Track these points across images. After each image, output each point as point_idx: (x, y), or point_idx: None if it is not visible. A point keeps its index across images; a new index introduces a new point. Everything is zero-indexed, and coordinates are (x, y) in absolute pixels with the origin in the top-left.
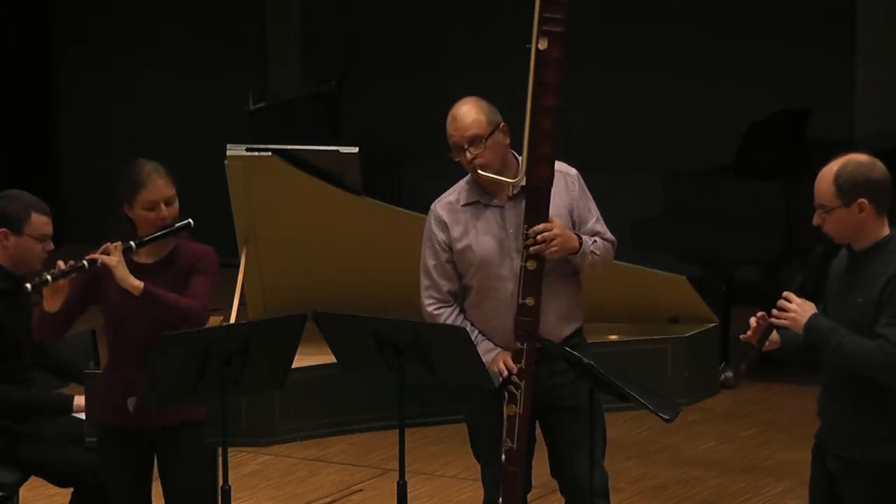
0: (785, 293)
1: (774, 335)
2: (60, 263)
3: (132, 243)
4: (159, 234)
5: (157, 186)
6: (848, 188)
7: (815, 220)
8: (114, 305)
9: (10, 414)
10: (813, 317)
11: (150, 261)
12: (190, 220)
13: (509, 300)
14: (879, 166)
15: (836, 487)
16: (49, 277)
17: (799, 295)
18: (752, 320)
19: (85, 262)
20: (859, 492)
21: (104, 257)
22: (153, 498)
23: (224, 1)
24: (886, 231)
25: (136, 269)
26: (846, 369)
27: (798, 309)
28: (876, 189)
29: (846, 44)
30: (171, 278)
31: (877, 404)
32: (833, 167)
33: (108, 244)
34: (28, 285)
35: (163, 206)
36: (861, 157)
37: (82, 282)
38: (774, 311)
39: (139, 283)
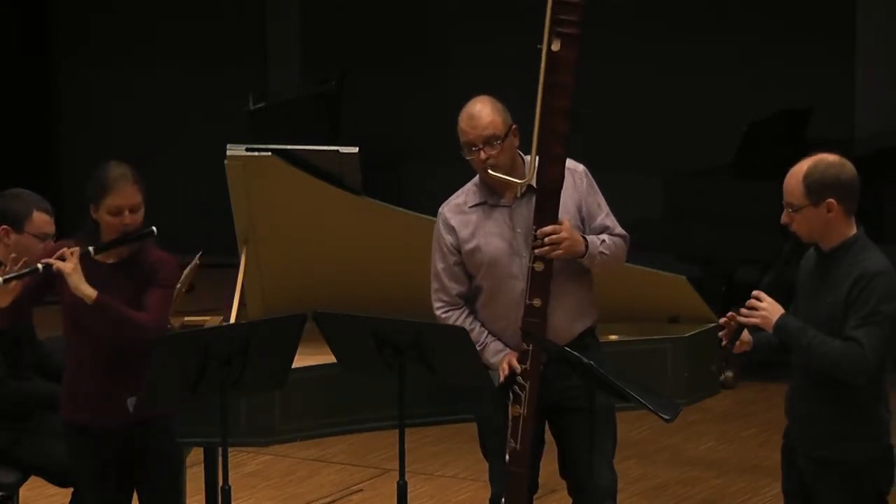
0: (755, 292)
1: (746, 335)
2: (14, 265)
3: (90, 249)
4: (118, 241)
5: (125, 193)
6: (817, 188)
7: (783, 219)
8: (69, 305)
9: (27, 408)
10: (782, 317)
11: (110, 261)
12: (153, 229)
13: (519, 300)
14: (849, 167)
15: (807, 486)
16: (1, 279)
17: (768, 292)
18: (722, 320)
19: (39, 266)
20: (830, 491)
21: (59, 263)
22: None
23: (224, 1)
24: (853, 231)
25: (94, 268)
26: (816, 369)
27: (768, 308)
28: (845, 189)
29: (846, 44)
30: (129, 281)
31: (847, 404)
32: (802, 166)
33: (65, 249)
34: None
35: (127, 212)
36: (831, 157)
37: (34, 280)
38: (743, 310)
39: (92, 293)
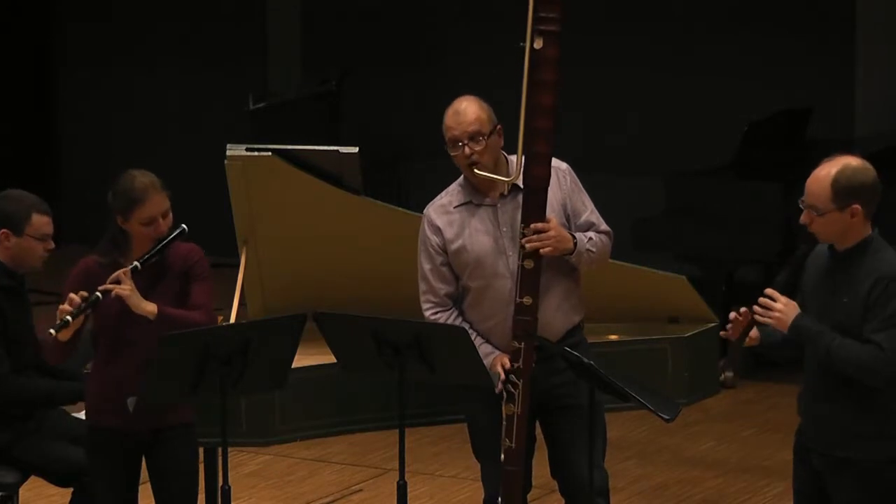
0: (769, 291)
1: (754, 331)
2: (75, 298)
3: (137, 264)
4: (160, 247)
5: (156, 202)
6: (845, 194)
7: (803, 219)
8: (112, 323)
9: (29, 406)
10: (799, 317)
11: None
12: (184, 227)
13: (507, 298)
14: (872, 171)
15: (822, 486)
16: (69, 318)
17: (781, 292)
18: (732, 314)
19: (99, 294)
20: (847, 490)
21: (118, 288)
22: (139, 500)
23: (224, 1)
24: (869, 230)
25: (135, 277)
26: (836, 372)
27: (783, 308)
28: (869, 194)
29: (846, 44)
30: (169, 281)
31: (864, 403)
32: (829, 171)
33: (119, 272)
34: (52, 331)
35: (160, 219)
36: (855, 162)
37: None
38: (758, 309)
39: (153, 308)
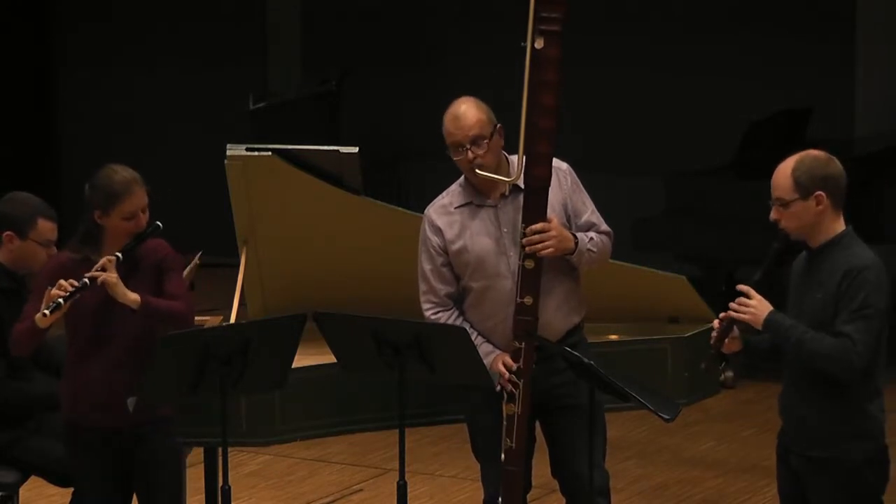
0: (744, 288)
1: (734, 336)
2: (65, 284)
3: (118, 255)
4: (137, 241)
5: (138, 196)
6: (806, 181)
7: (772, 216)
8: (92, 314)
9: (27, 409)
10: (771, 313)
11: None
12: (159, 223)
13: (508, 298)
14: (836, 162)
15: (801, 487)
16: (62, 301)
17: (757, 290)
18: (716, 322)
19: (87, 281)
20: (825, 492)
21: (104, 275)
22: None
23: (224, 1)
24: (842, 226)
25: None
26: (807, 366)
27: (758, 304)
28: (833, 182)
29: (846, 44)
30: (142, 275)
31: (842, 404)
32: (790, 162)
33: (105, 260)
34: (46, 311)
35: (140, 214)
36: (817, 153)
37: None
38: (733, 305)
39: (137, 298)
